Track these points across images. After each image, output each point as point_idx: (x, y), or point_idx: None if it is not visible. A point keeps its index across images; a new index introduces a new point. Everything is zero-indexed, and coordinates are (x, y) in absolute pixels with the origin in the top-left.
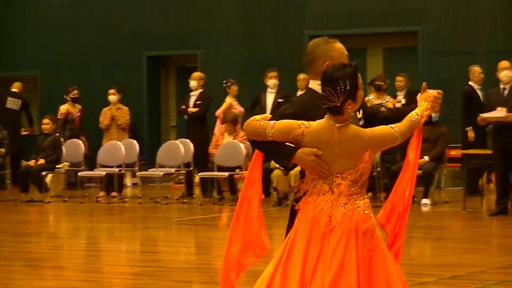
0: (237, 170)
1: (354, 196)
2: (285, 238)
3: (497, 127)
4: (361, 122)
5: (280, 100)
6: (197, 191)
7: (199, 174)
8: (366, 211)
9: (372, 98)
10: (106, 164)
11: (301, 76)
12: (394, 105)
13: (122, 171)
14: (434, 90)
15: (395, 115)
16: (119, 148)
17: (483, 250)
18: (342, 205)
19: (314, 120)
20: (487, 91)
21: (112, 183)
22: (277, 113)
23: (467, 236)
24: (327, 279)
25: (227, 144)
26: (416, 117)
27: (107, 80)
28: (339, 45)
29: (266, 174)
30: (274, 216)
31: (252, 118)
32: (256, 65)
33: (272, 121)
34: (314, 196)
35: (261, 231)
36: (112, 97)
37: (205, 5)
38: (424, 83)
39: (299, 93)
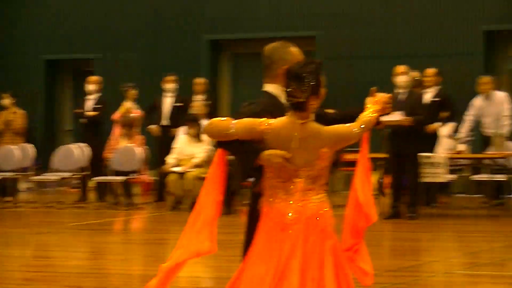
0: (133, 175)
1: (310, 192)
2: (245, 240)
3: (393, 131)
4: None
5: (177, 104)
6: (92, 195)
7: (95, 178)
8: (324, 208)
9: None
10: (0, 169)
11: (198, 80)
12: None
13: (16, 176)
14: (384, 94)
15: (342, 117)
16: (14, 153)
17: (375, 253)
18: (299, 201)
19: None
20: None
21: (6, 188)
22: (243, 113)
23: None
24: (295, 274)
25: (123, 148)
26: (367, 119)
27: (2, 84)
28: (295, 49)
29: (161, 178)
30: (169, 220)
31: (214, 119)
32: (154, 70)
33: (234, 120)
34: (272, 195)
35: (210, 233)
36: (6, 101)
37: (103, 10)
38: (374, 88)
39: (198, 97)
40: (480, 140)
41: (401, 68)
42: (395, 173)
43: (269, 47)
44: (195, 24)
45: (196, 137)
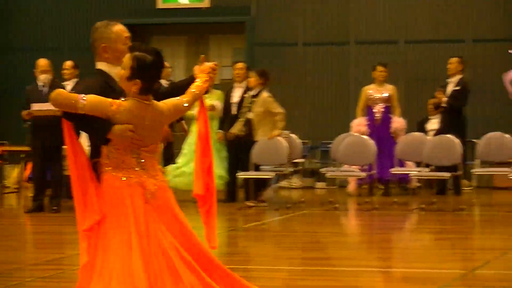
0: None
1: (155, 166)
2: None
3: (36, 123)
4: None
5: None
6: None
7: None
8: (164, 179)
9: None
10: None
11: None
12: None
13: None
14: (211, 62)
15: (174, 89)
16: None
17: (18, 247)
18: (153, 176)
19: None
20: (27, 87)
21: None
22: (78, 90)
23: (3, 233)
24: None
25: None
26: (196, 89)
27: None
28: (117, 27)
29: None
30: None
31: (62, 90)
32: None
33: (83, 95)
34: (124, 171)
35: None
36: None
37: None
38: (202, 56)
39: None
40: None
41: (42, 65)
42: (38, 166)
43: (93, 26)
44: None
45: None
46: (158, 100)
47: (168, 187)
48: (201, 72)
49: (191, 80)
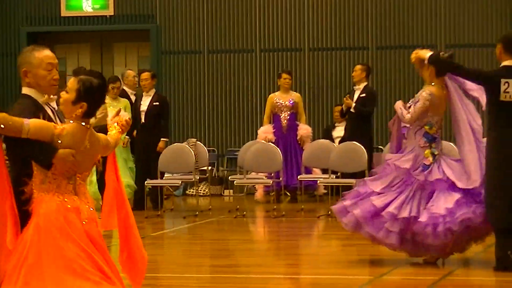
0: None
1: (87, 194)
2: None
3: None
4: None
5: None
6: None
7: None
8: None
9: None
10: None
11: None
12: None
13: None
14: (126, 116)
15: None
16: None
17: None
18: (85, 203)
19: None
20: None
21: None
22: (14, 112)
23: None
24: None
25: None
26: (112, 139)
27: None
28: (41, 54)
29: None
30: None
31: (4, 114)
32: None
33: (26, 119)
34: (59, 195)
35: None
36: None
37: None
38: (120, 109)
39: None
40: None
41: None
42: None
43: (22, 50)
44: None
45: None
46: None
47: (96, 215)
48: (116, 123)
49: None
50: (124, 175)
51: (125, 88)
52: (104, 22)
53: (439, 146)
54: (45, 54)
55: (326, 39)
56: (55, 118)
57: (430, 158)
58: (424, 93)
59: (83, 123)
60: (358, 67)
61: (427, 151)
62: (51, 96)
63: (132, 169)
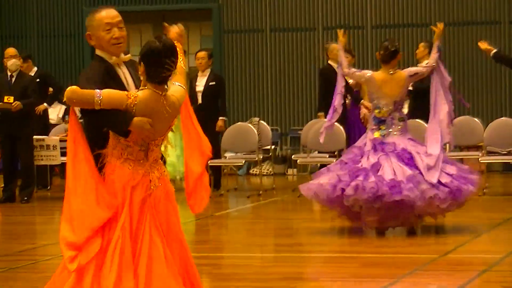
0: None
1: (159, 159)
2: None
3: (4, 113)
4: None
5: None
6: None
7: None
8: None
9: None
10: None
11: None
12: None
13: None
14: (175, 26)
15: None
16: None
17: None
18: (157, 169)
19: (110, 86)
20: None
21: None
22: (82, 80)
23: None
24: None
25: None
26: (180, 69)
27: None
28: (100, 14)
29: None
30: None
31: (75, 87)
32: None
33: (98, 90)
34: (130, 163)
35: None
36: None
37: None
38: (165, 24)
39: None
40: None
41: (11, 51)
42: (7, 156)
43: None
44: None
45: None
46: None
47: (169, 179)
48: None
49: None
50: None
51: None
52: (166, 2)
53: (389, 127)
54: (103, 14)
55: (389, 16)
56: (127, 80)
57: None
58: (369, 71)
59: (155, 90)
60: (422, 44)
61: (376, 133)
62: (122, 56)
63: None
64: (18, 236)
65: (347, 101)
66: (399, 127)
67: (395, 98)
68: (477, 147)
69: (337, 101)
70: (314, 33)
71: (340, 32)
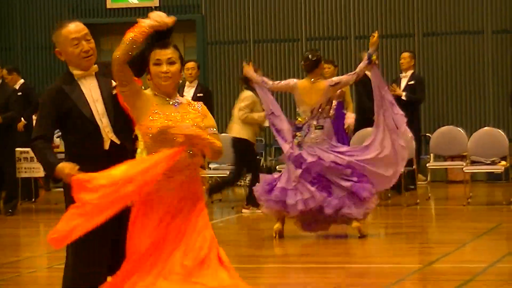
0: None
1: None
2: None
3: None
4: None
5: None
6: None
7: None
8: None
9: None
10: None
11: None
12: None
13: None
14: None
15: None
16: None
17: None
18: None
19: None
20: None
21: None
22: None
23: None
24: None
25: None
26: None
27: None
28: (65, 30)
29: None
30: None
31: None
32: None
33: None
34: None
35: None
36: None
37: None
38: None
39: None
40: None
41: None
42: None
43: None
44: None
45: None
46: None
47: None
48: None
49: None
50: None
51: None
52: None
53: (304, 134)
54: (69, 29)
55: (372, 26)
56: (92, 93)
57: (295, 146)
58: (294, 79)
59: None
60: (407, 54)
61: (294, 140)
62: (92, 67)
63: None
64: (2, 247)
65: (331, 112)
66: (315, 135)
67: (313, 106)
68: (461, 157)
69: (280, 124)
70: (298, 43)
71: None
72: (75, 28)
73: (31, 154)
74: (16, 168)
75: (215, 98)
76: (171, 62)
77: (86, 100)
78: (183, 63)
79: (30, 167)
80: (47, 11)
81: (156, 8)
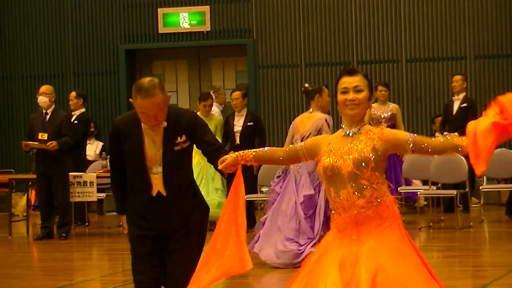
0: None
1: None
2: None
3: (39, 152)
4: None
5: None
6: None
7: None
8: None
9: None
10: None
11: None
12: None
13: None
14: None
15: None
16: None
17: (26, 275)
18: None
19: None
20: (30, 115)
21: None
22: None
23: (12, 261)
24: None
25: None
26: None
27: None
28: (139, 102)
29: None
30: None
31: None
32: None
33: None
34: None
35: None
36: None
37: None
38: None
39: None
40: None
41: (42, 88)
42: (43, 193)
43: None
44: None
45: None
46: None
47: None
48: None
49: None
50: (211, 193)
51: (214, 103)
52: (201, 38)
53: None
54: (142, 103)
55: (423, 49)
56: (154, 141)
57: (280, 171)
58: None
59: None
60: (459, 77)
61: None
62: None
63: (217, 189)
64: (55, 272)
65: None
66: (298, 167)
67: (303, 135)
68: None
69: None
70: (350, 66)
71: None
72: (146, 104)
73: (84, 178)
74: (70, 193)
75: (265, 122)
76: (358, 90)
77: (140, 142)
78: (372, 91)
79: (84, 191)
80: (100, 37)
81: (207, 33)
